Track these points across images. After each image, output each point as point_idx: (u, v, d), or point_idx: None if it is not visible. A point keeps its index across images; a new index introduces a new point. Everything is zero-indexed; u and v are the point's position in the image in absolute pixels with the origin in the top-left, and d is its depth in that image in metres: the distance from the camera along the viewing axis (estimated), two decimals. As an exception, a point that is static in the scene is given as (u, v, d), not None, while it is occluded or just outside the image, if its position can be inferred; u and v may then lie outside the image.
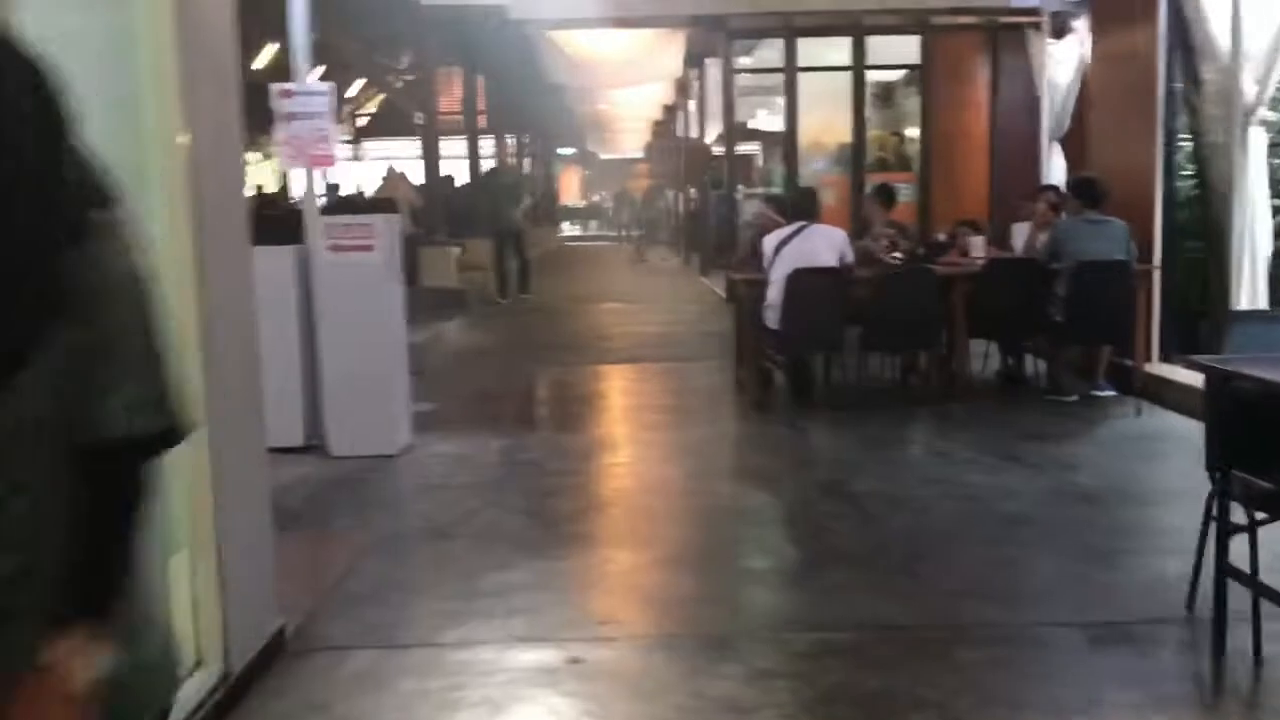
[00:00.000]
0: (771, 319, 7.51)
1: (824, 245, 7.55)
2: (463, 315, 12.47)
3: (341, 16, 18.20)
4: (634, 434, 7.52)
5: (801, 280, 7.26)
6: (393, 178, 14.19)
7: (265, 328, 4.46)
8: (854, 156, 12.65)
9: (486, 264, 17.40)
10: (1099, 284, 7.40)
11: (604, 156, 43.10)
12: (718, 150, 19.77)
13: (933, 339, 7.67)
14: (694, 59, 15.80)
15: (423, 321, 11.49)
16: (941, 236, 11.07)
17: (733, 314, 8.98)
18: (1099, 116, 9.16)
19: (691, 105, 19.75)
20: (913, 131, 13.85)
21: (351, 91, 31.10)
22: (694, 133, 20.83)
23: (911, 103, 13.58)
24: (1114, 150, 8.67)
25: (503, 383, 9.45)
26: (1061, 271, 7.67)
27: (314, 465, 6.55)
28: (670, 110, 22.95)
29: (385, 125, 31.93)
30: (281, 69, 22.30)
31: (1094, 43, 9.08)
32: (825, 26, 12.53)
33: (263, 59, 23.74)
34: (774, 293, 7.47)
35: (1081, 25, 10.62)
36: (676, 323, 12.23)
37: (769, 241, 7.67)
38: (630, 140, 30.63)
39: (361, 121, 33.56)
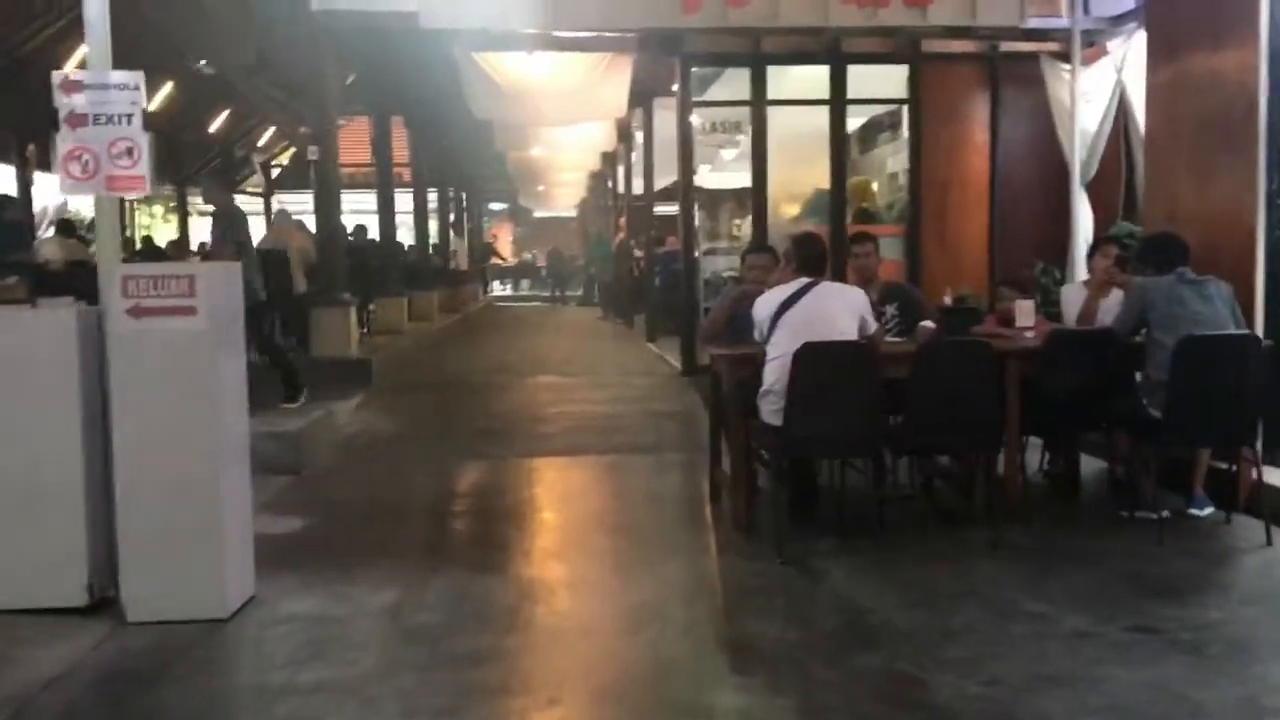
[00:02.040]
0: (770, 409, 5.44)
1: (840, 308, 5.53)
2: (365, 392, 10.23)
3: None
4: (576, 577, 5.32)
5: (814, 357, 5.21)
6: (282, 222, 11.94)
7: (27, 425, 3.33)
8: (833, 206, 10.74)
9: (403, 327, 15.23)
10: (1213, 365, 5.45)
11: (538, 214, 41.19)
12: (666, 208, 17.91)
13: (992, 437, 5.63)
14: (641, 97, 13.86)
15: (311, 401, 9.26)
16: (948, 300, 9.18)
17: (708, 398, 6.88)
18: (1158, 156, 7.32)
19: (635, 155, 17.81)
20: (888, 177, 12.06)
21: (262, 140, 28.99)
22: (637, 182, 18.90)
23: (898, 144, 11.76)
24: (1188, 196, 6.81)
25: (404, 487, 7.24)
26: (1151, 347, 5.74)
27: (94, 640, 4.33)
28: (610, 159, 21.03)
29: (300, 178, 29.73)
30: (180, 110, 19.85)
31: (1153, 66, 7.24)
32: (799, 53, 10.66)
33: (158, 100, 21.47)
34: (774, 374, 5.41)
35: (1119, 47, 8.87)
36: (624, 400, 10.11)
37: (764, 305, 5.62)
38: (566, 195, 28.69)
39: (274, 173, 31.38)
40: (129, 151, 4.68)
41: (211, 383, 4.56)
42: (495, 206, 40.23)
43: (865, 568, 5.12)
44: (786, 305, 5.49)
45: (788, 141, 10.99)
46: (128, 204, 31.02)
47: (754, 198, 10.70)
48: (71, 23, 17.06)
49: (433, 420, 9.57)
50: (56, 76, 4.66)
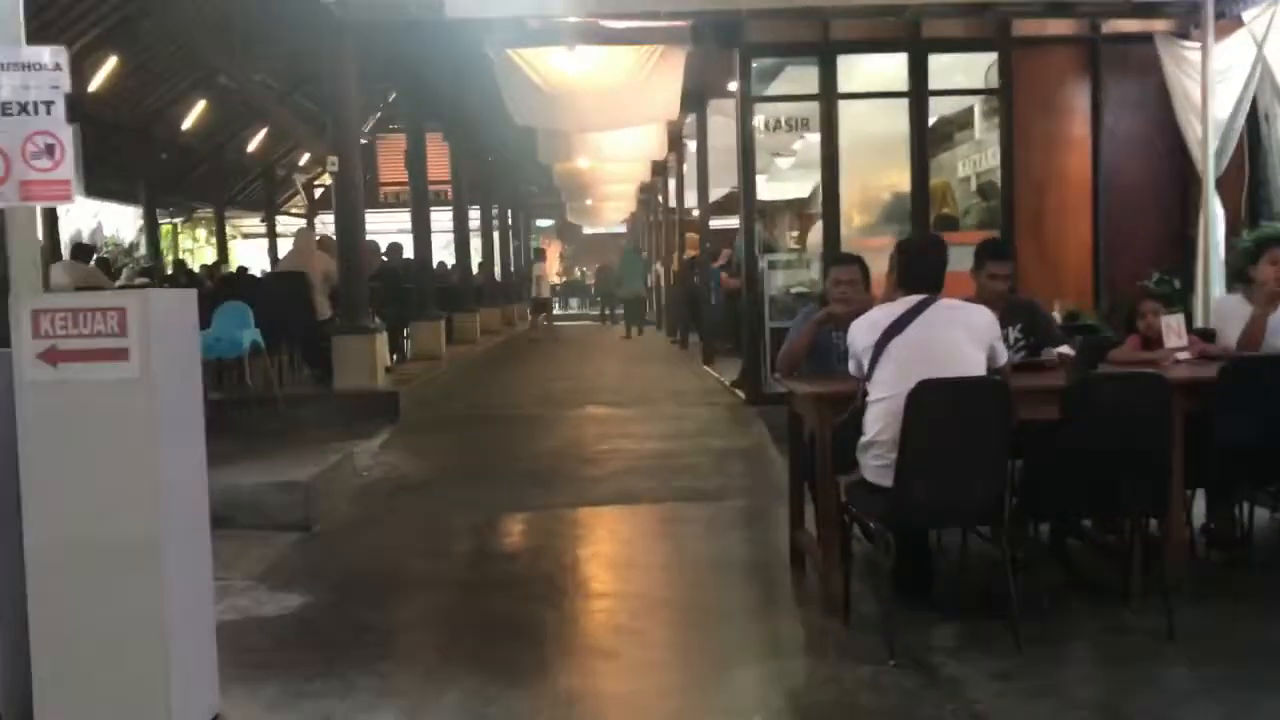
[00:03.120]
0: (874, 465, 4.26)
1: (963, 335, 4.32)
2: (392, 429, 9.16)
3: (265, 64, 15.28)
4: (626, 692, 4.14)
5: (933, 400, 4.02)
6: (303, 242, 10.93)
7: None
8: (915, 211, 9.52)
9: (440, 352, 14.21)
10: None
11: (587, 230, 40.20)
12: (720, 222, 16.76)
13: (1161, 494, 4.37)
14: (693, 100, 12.72)
15: (328, 442, 8.21)
16: (1057, 317, 7.92)
17: (784, 438, 5.69)
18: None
19: (687, 166, 16.70)
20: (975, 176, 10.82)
21: (304, 160, 28.24)
22: (690, 195, 17.78)
23: (970, 145, 10.53)
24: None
25: (427, 550, 6.15)
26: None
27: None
28: (661, 169, 19.92)
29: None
30: (216, 129, 18.99)
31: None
32: (874, 40, 9.48)
33: (191, 118, 20.74)
34: (880, 420, 4.22)
35: (1260, 15, 7.59)
36: (682, 434, 8.95)
37: (863, 331, 4.44)
38: (614, 210, 27.62)
39: (317, 193, 30.60)
40: (48, 150, 3.62)
41: (148, 445, 3.47)
42: (542, 223, 39.30)
43: (1010, 673, 3.91)
44: (893, 331, 4.30)
45: (859, 141, 9.78)
46: (170, 226, 30.57)
47: (824, 203, 9.51)
48: (102, 37, 16.38)
49: (467, 461, 8.47)
50: (-47, 55, 3.61)
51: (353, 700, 3.89)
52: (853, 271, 5.63)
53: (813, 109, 9.68)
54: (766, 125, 9.56)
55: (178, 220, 28.55)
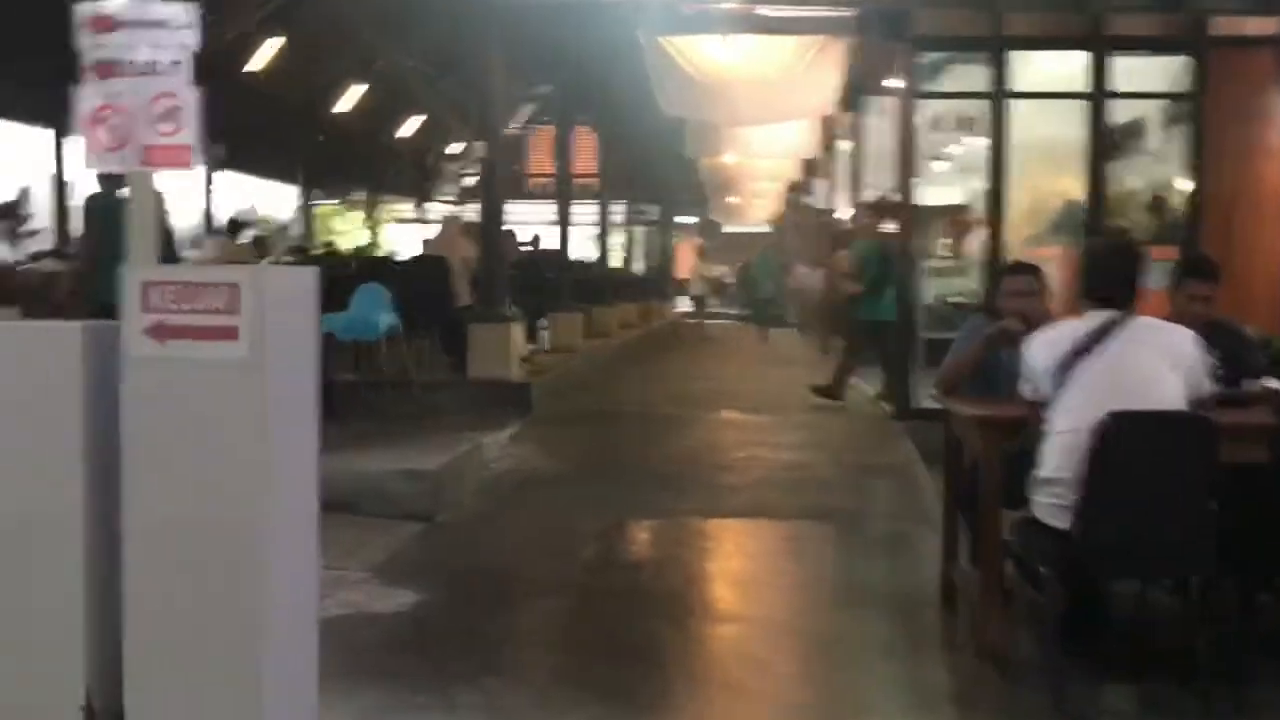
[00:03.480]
0: (1050, 504, 3.76)
1: (1163, 361, 3.78)
2: (523, 421, 8.93)
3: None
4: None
5: (1126, 434, 3.51)
6: (448, 229, 10.83)
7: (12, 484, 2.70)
8: (1089, 220, 8.82)
9: (576, 345, 14.00)
10: None
11: (728, 229, 39.70)
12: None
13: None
14: (850, 97, 12.18)
15: (458, 430, 8.02)
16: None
17: (942, 463, 5.20)
18: None
19: (841, 162, 16.12)
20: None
21: (455, 148, 28.55)
22: (843, 195, 17.20)
23: (1165, 150, 9.73)
24: None
25: (551, 550, 5.88)
26: None
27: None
28: (812, 168, 19.35)
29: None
30: (371, 113, 19.27)
31: None
32: (1052, 37, 8.83)
33: (348, 100, 21.11)
34: (1060, 454, 3.72)
35: None
36: (822, 446, 8.48)
37: (1043, 351, 3.94)
38: (760, 209, 27.11)
39: (467, 182, 30.95)
40: (172, 113, 3.42)
41: (255, 429, 3.23)
42: (684, 219, 38.97)
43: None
44: (1080, 352, 3.79)
45: (1028, 144, 9.14)
46: (326, 208, 31.35)
47: (989, 208, 8.90)
48: (268, 18, 16.75)
49: (597, 459, 8.18)
50: (84, 9, 3.44)
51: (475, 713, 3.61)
52: (1030, 281, 5.10)
53: (980, 108, 9.08)
54: (932, 124, 8.99)
55: (333, 202, 29.23)
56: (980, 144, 13.55)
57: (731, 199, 23.66)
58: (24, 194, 17.28)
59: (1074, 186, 9.01)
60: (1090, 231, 8.80)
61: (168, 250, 9.60)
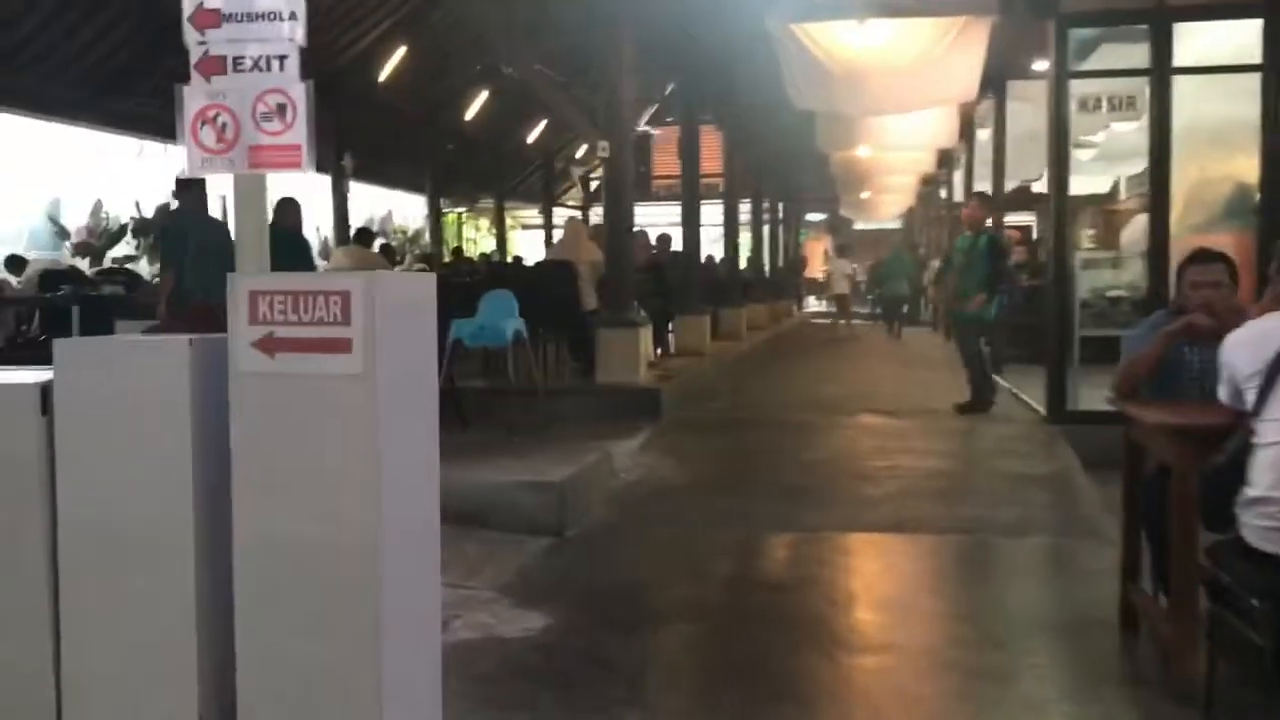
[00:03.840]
0: (1261, 525, 3.26)
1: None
2: (653, 428, 8.64)
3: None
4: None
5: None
6: (573, 232, 10.61)
7: (120, 499, 2.57)
8: (1268, 205, 8.08)
9: (705, 348, 13.67)
10: None
11: (859, 225, 38.85)
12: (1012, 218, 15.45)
13: None
14: (991, 81, 11.53)
15: (587, 438, 7.78)
16: None
17: (1124, 483, 4.67)
18: None
19: (979, 152, 15.41)
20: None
21: (580, 152, 28.50)
22: (980, 186, 16.46)
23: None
24: None
25: (684, 570, 5.59)
26: None
27: None
28: (947, 160, 18.63)
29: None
30: (497, 119, 19.20)
31: None
32: (1217, 3, 8.12)
33: (474, 107, 21.18)
34: (1272, 470, 3.23)
35: None
36: (972, 454, 7.97)
37: (1246, 350, 3.45)
38: (892, 204, 26.33)
39: (594, 185, 30.88)
40: (280, 111, 3.21)
41: (369, 446, 2.99)
42: (813, 217, 38.31)
43: None
44: (1297, 349, 3.29)
45: (1192, 124, 8.44)
46: (454, 215, 31.72)
47: (1152, 193, 8.23)
48: (393, 28, 16.88)
49: (730, 469, 7.83)
50: (187, 4, 3.25)
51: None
52: (1218, 271, 4.57)
53: (1135, 86, 8.42)
54: (1084, 105, 8.36)
55: (461, 210, 29.52)
56: (1128, 128, 12.83)
57: (863, 194, 22.97)
58: (97, 207, 17.86)
59: (1246, 168, 8.25)
60: (1268, 214, 8.07)
61: (304, 262, 9.68)
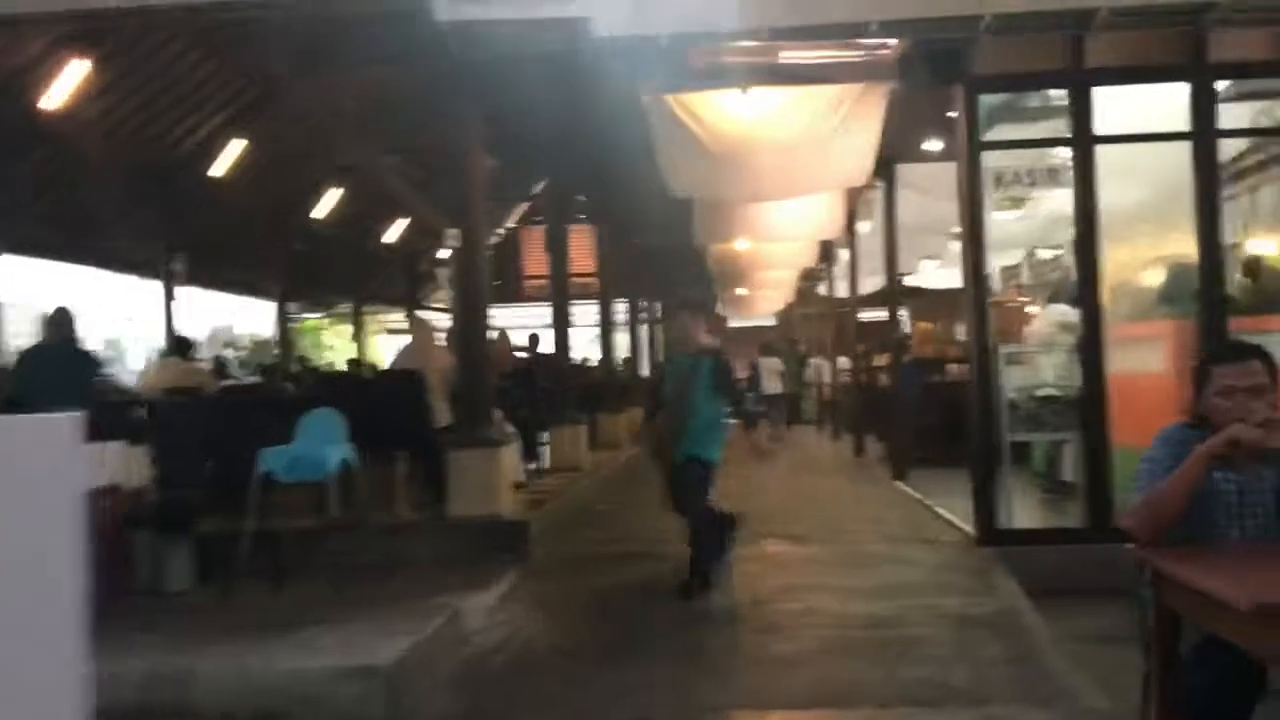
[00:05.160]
0: None
1: None
2: (518, 572, 7.13)
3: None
4: None
5: None
6: (422, 336, 9.13)
7: None
8: (1204, 285, 7.12)
9: (582, 461, 12.23)
10: None
11: (734, 323, 38.17)
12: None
13: None
14: (881, 166, 10.56)
15: (432, 591, 6.24)
16: None
17: (1153, 655, 3.39)
18: None
19: (867, 233, 14.51)
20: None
21: (447, 253, 27.10)
22: (864, 279, 15.62)
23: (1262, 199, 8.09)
24: None
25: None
26: None
27: None
28: (826, 255, 17.79)
29: (495, 292, 27.55)
30: (352, 218, 17.68)
31: None
32: (1143, 68, 7.24)
33: (325, 205, 19.68)
34: None
35: None
36: (899, 590, 6.63)
37: None
38: (770, 300, 25.54)
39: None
40: None
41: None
42: (691, 316, 37.46)
43: None
44: None
45: (1117, 199, 7.52)
46: (313, 322, 29.82)
47: (1081, 276, 7.21)
48: (225, 122, 15.36)
49: (611, 624, 6.33)
50: None
51: None
52: (1257, 372, 3.40)
53: (1056, 157, 7.47)
54: (998, 180, 7.34)
55: (317, 315, 27.71)
56: (1006, 217, 12.08)
57: (741, 290, 22.06)
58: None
59: (1181, 246, 7.32)
60: (1206, 297, 7.11)
61: (83, 376, 8.04)
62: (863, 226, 14.71)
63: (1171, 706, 3.23)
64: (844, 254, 16.51)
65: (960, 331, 22.01)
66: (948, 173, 11.59)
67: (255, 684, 4.99)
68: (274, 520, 6.93)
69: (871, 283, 16.24)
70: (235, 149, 15.45)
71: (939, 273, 19.39)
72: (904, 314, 22.70)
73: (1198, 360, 3.53)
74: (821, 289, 21.68)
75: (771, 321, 34.81)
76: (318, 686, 4.88)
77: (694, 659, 5.55)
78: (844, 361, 19.48)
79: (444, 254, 26.27)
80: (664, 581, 6.70)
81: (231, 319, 24.10)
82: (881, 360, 15.61)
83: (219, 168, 15.50)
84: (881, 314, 16.08)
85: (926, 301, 20.73)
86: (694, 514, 6.76)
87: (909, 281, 16.69)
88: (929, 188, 11.77)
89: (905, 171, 11.73)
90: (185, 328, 16.06)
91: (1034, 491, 8.88)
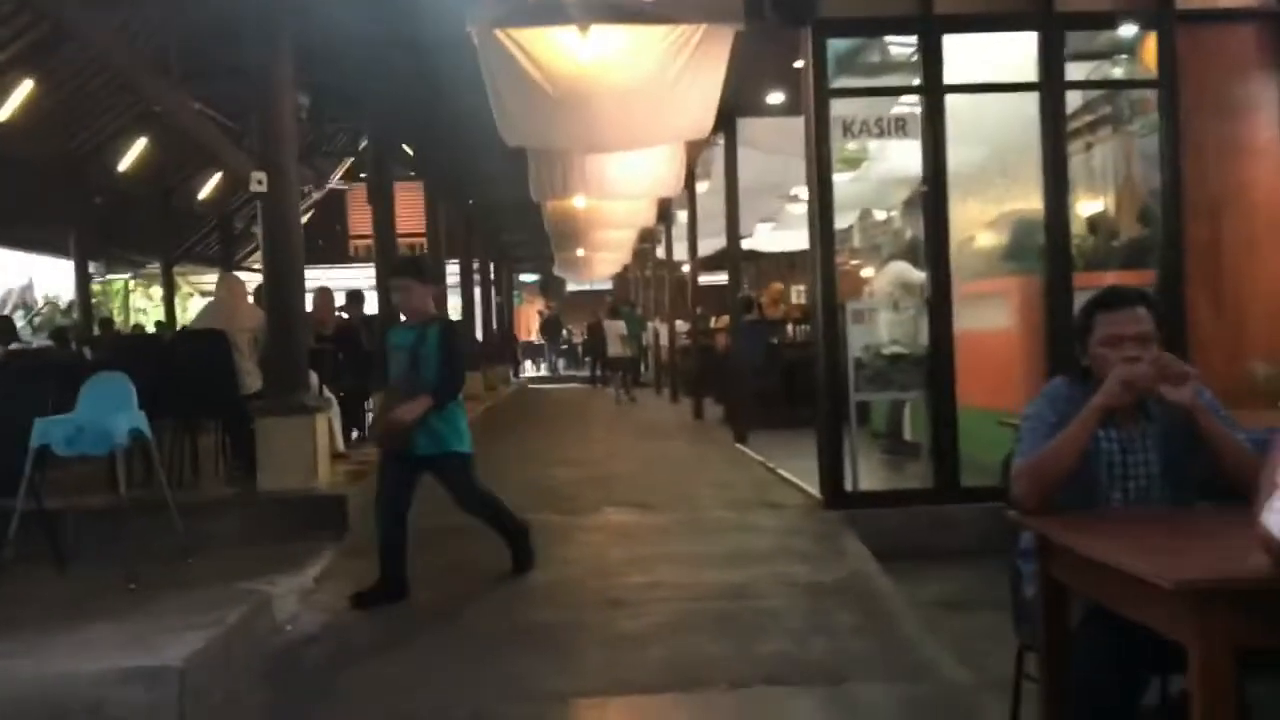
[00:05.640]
0: None
1: None
2: (335, 550, 6.50)
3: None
4: None
5: None
6: (228, 294, 8.31)
7: None
8: (1050, 243, 7.01)
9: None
10: None
11: (572, 287, 37.76)
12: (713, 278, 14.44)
13: None
14: (723, 120, 10.19)
15: (238, 574, 5.56)
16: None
17: (1042, 634, 3.09)
18: None
19: (704, 193, 14.22)
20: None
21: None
22: (704, 240, 15.36)
23: (1109, 151, 8.08)
24: None
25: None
26: None
27: None
28: (664, 215, 17.46)
29: (327, 251, 26.23)
30: (160, 171, 16.32)
31: None
32: (992, 15, 7.05)
33: (130, 156, 18.19)
34: None
35: None
36: (748, 558, 6.29)
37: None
38: (608, 263, 25.15)
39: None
40: None
41: None
42: (526, 278, 36.89)
43: None
44: None
45: (966, 151, 7.35)
46: (120, 283, 27.88)
47: (929, 231, 7.00)
48: (9, 61, 13.88)
49: (440, 606, 5.78)
50: None
51: None
52: (1142, 319, 3.13)
53: (904, 106, 7.23)
54: (846, 129, 7.04)
55: (126, 276, 25.90)
56: (875, 167, 11.95)
57: (579, 251, 21.54)
58: None
59: (1026, 202, 7.20)
60: (1053, 254, 7.00)
61: None
62: (700, 186, 14.42)
63: (1057, 687, 2.95)
64: (682, 215, 16.22)
65: (797, 294, 22.21)
66: (789, 128, 11.41)
67: (22, 690, 4.28)
68: (54, 499, 6.11)
69: (708, 244, 16.03)
70: (22, 91, 13.99)
71: (774, 235, 19.38)
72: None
73: (1082, 308, 3.22)
74: (660, 251, 21.41)
75: (608, 285, 34.52)
76: (98, 691, 4.20)
77: (534, 638, 5.08)
78: (681, 324, 19.29)
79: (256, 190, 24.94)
80: (497, 558, 6.19)
81: (29, 279, 22.19)
82: (720, 323, 15.42)
83: (4, 111, 14.01)
84: (718, 277, 15.94)
85: (764, 265, 20.66)
86: (477, 508, 6.01)
87: (745, 245, 16.57)
88: (770, 145, 11.52)
89: (745, 127, 11.43)
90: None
91: (875, 452, 8.75)
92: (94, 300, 19.89)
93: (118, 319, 23.86)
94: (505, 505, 6.11)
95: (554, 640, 5.09)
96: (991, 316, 7.36)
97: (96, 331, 16.02)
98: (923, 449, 7.52)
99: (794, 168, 13.06)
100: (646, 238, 21.13)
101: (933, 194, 6.98)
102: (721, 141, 11.66)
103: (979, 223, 7.69)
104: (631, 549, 6.64)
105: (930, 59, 6.92)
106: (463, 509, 6.02)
